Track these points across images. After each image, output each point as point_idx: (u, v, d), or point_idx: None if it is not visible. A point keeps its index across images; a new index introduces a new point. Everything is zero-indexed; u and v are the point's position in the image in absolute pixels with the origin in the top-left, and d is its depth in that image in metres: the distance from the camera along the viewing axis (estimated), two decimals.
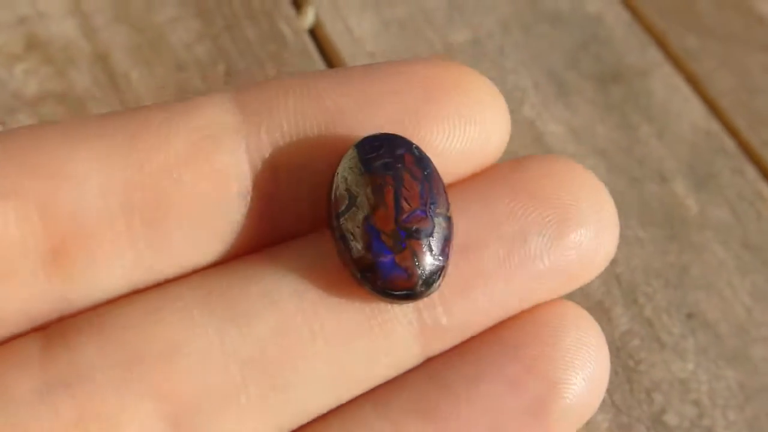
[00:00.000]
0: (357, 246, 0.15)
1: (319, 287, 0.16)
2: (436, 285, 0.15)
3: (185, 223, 0.15)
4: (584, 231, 0.16)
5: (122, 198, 0.15)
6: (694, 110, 0.31)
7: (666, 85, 0.32)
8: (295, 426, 0.16)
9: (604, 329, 0.26)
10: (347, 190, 0.15)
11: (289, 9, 0.32)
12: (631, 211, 0.28)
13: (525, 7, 0.33)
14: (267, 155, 0.16)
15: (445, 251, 0.15)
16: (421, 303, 0.16)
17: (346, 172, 0.15)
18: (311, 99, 0.16)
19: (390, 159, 0.15)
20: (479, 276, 0.16)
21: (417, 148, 0.16)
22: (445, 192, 0.16)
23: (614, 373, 0.25)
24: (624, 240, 0.28)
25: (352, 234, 0.15)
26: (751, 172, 0.30)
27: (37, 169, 0.15)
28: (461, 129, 0.16)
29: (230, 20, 0.32)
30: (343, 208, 0.15)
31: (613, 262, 0.27)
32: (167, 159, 0.15)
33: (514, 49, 0.32)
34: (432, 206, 0.15)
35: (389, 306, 0.16)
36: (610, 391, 0.25)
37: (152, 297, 0.15)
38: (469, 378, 0.16)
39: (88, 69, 0.30)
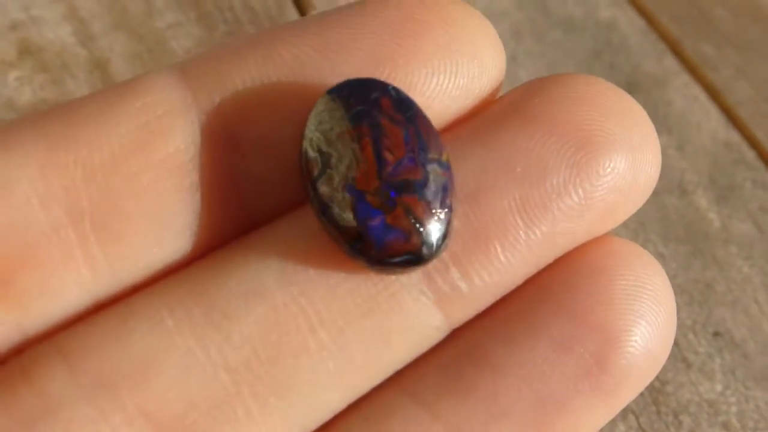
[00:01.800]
0: (340, 214, 0.13)
1: (309, 268, 0.13)
2: (441, 242, 0.13)
3: (142, 222, 0.14)
4: (617, 153, 0.14)
5: (66, 204, 0.13)
6: (713, 120, 0.30)
7: (684, 94, 0.31)
8: (315, 426, 0.14)
9: None
10: (318, 150, 0.13)
11: (292, 13, 0.31)
12: (652, 225, 0.27)
13: (536, 14, 0.32)
14: (225, 130, 0.14)
15: (445, 202, 0.13)
16: (431, 267, 0.14)
17: (313, 130, 0.13)
18: (265, 55, 0.14)
19: (363, 106, 0.13)
20: (494, 226, 0.14)
21: (394, 88, 0.13)
22: (437, 134, 0.13)
23: (639, 394, 0.24)
24: None
25: (331, 200, 0.13)
26: None
27: None
28: (452, 65, 0.14)
29: (232, 25, 0.31)
30: (316, 172, 0.13)
31: None
32: (111, 152, 0.13)
33: (527, 58, 0.31)
34: (422, 152, 0.13)
35: (393, 277, 0.14)
36: (635, 414, 0.24)
37: (117, 311, 0.14)
38: (507, 344, 0.14)
39: (86, 77, 0.29)
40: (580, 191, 0.14)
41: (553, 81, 0.14)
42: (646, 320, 0.14)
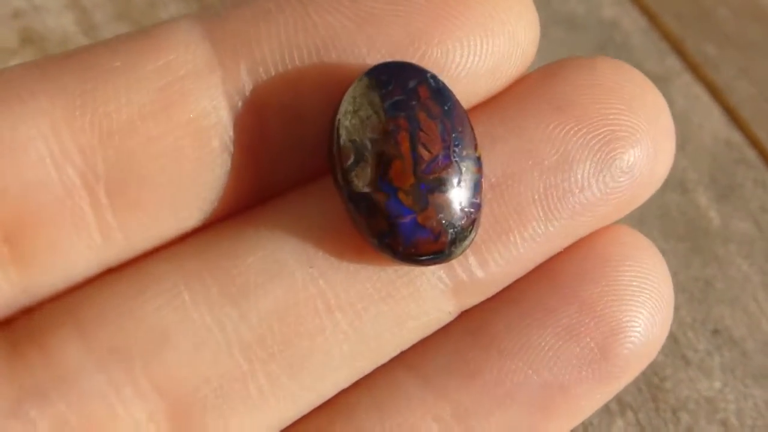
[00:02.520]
0: (371, 208, 0.13)
1: (329, 248, 0.13)
2: (467, 242, 0.13)
3: (160, 188, 0.13)
4: (639, 149, 0.14)
5: (81, 167, 0.13)
6: (714, 120, 0.30)
7: (686, 93, 0.31)
8: (320, 402, 0.14)
9: None
10: (352, 140, 0.13)
11: None
12: (653, 222, 0.27)
13: (539, 10, 0.32)
14: (250, 97, 0.13)
15: (476, 200, 0.13)
16: None
17: (348, 116, 0.13)
18: (297, 21, 0.13)
19: (401, 96, 0.13)
20: (516, 216, 0.14)
21: (433, 76, 0.13)
22: (471, 127, 0.13)
23: (638, 390, 0.24)
24: None
25: (364, 193, 0.13)
26: None
27: None
28: (488, 44, 0.13)
29: None
30: (349, 162, 0.13)
31: None
32: (130, 113, 0.13)
33: None
34: (456, 148, 0.13)
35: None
36: (634, 410, 0.24)
37: (131, 279, 0.13)
38: (515, 329, 0.14)
39: None
40: (602, 186, 0.14)
41: (580, 65, 0.14)
42: (648, 311, 0.14)
